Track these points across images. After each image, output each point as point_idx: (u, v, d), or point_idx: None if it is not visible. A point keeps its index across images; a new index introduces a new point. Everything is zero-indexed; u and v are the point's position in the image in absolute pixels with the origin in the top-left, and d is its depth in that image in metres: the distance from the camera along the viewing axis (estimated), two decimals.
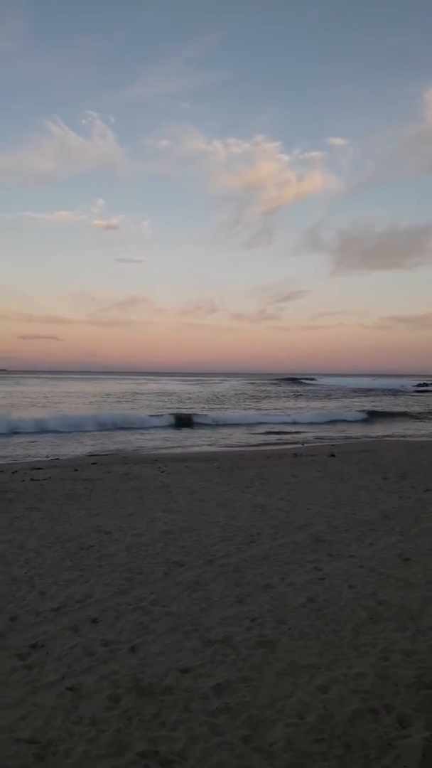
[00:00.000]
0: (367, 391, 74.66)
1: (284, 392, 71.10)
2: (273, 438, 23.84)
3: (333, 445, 20.64)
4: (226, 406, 43.68)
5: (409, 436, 25.27)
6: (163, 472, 13.49)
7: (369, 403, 48.69)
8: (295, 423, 30.96)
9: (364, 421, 34.25)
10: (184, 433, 26.03)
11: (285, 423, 30.75)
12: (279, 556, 6.92)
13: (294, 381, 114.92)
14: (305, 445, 20.98)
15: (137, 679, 4.05)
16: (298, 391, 73.82)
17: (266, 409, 40.98)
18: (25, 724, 3.52)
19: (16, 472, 13.71)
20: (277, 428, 27.88)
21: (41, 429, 24.36)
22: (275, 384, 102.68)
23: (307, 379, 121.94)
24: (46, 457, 17.64)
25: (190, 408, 40.62)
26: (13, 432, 23.34)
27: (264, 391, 74.09)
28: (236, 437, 24.10)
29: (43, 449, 19.51)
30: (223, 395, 60.91)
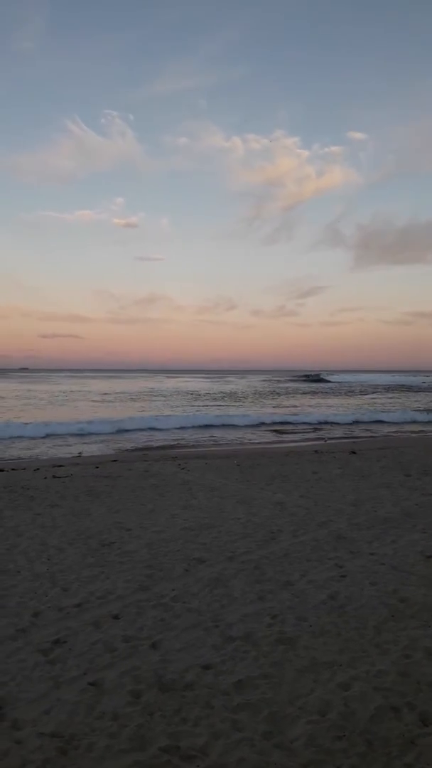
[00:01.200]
0: (390, 388, 73.56)
1: (316, 390, 70.53)
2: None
3: (354, 442, 20.52)
4: (262, 405, 42.41)
5: None
6: (183, 469, 13.52)
7: (412, 401, 46.51)
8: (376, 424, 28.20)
9: None
10: (210, 432, 25.27)
11: (355, 424, 28.07)
12: (299, 553, 6.91)
13: (311, 377, 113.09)
14: (328, 441, 20.89)
15: (159, 675, 4.07)
16: (322, 388, 73.19)
17: (308, 408, 39.03)
18: (48, 719, 3.56)
19: (38, 469, 13.86)
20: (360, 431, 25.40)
21: (54, 432, 23.50)
22: (299, 381, 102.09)
23: (326, 375, 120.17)
24: (80, 453, 17.79)
25: (207, 405, 40.60)
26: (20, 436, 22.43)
27: (291, 388, 73.10)
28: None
29: (62, 448, 19.67)
30: (253, 392, 60.61)
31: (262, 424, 28.22)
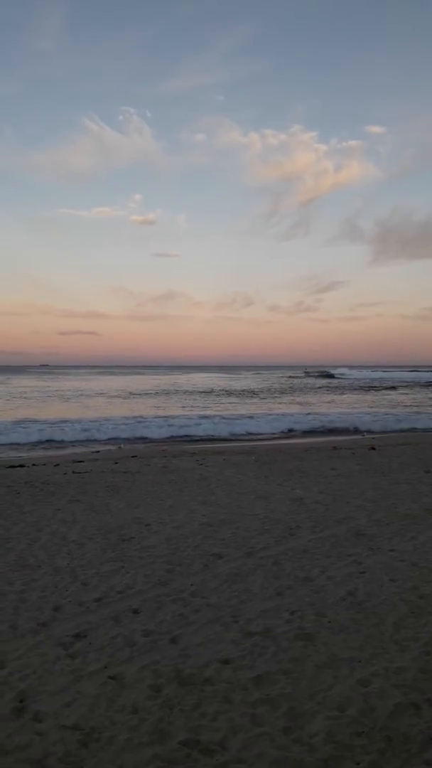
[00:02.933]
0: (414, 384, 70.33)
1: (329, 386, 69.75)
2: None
3: (373, 438, 20.41)
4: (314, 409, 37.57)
5: None
6: (201, 464, 13.56)
7: None
8: None
9: None
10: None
11: None
12: (318, 549, 6.90)
13: (309, 373, 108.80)
14: (366, 436, 20.79)
15: (178, 670, 4.10)
16: (345, 384, 71.83)
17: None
18: (70, 712, 3.61)
19: (58, 465, 13.98)
20: None
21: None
22: (313, 377, 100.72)
23: (331, 370, 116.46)
24: (114, 447, 17.91)
25: (232, 403, 40.28)
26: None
27: (321, 385, 69.96)
28: None
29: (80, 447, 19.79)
30: (279, 390, 60.04)
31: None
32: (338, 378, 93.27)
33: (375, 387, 63.32)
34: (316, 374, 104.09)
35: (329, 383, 74.69)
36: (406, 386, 64.74)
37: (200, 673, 4.05)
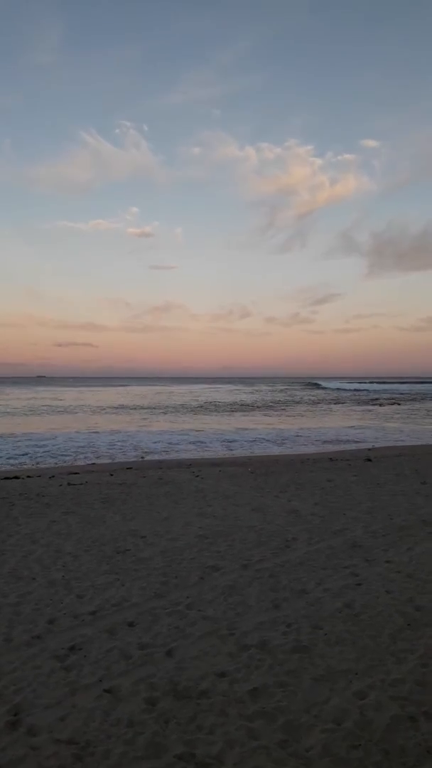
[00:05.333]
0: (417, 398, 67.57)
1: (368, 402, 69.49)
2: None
3: (369, 449, 20.41)
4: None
5: None
6: (197, 476, 13.53)
7: None
8: None
9: None
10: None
11: None
12: (315, 561, 6.88)
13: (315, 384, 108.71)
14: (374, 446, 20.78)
15: (174, 683, 4.07)
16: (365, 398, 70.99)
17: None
18: (64, 725, 3.58)
19: (53, 476, 13.93)
20: None
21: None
22: (307, 389, 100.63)
23: (323, 382, 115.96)
24: (116, 457, 17.85)
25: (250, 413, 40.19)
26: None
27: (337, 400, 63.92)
28: None
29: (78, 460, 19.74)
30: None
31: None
32: (325, 389, 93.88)
33: (366, 399, 62.89)
34: (304, 385, 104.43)
35: (316, 395, 74.00)
36: (395, 399, 63.98)
37: (196, 686, 4.02)
